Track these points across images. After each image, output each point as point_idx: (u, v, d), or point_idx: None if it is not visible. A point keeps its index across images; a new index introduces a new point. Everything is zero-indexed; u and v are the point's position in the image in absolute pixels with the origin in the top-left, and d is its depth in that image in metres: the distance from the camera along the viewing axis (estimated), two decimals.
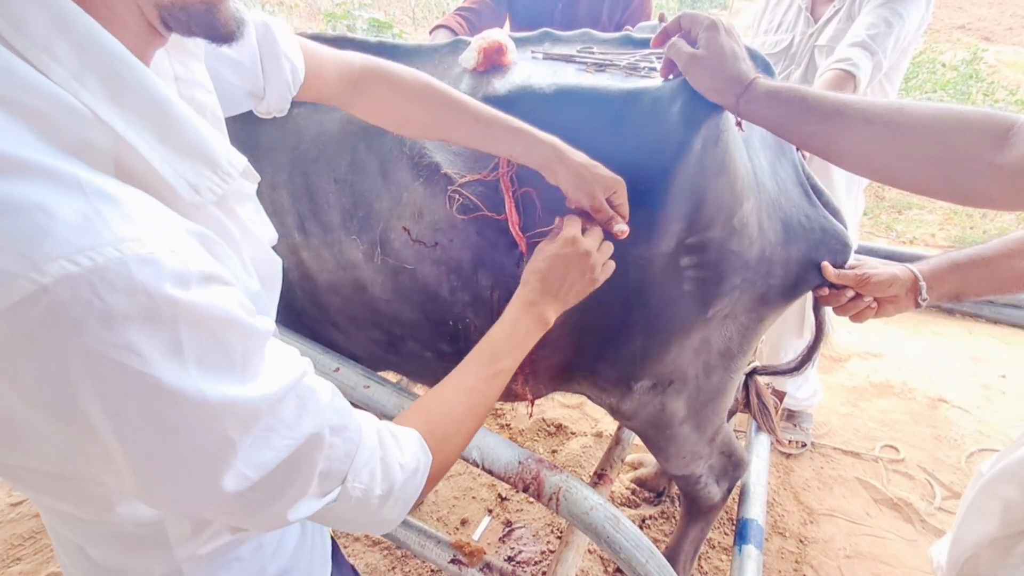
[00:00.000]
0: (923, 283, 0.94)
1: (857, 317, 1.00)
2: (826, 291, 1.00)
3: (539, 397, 1.16)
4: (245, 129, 0.96)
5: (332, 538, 0.82)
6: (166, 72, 0.51)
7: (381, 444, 0.53)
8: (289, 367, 0.44)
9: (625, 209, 0.80)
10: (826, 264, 0.98)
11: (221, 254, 0.41)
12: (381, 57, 0.81)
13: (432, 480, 0.58)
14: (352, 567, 0.92)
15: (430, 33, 1.91)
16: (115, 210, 0.31)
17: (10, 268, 0.27)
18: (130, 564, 0.54)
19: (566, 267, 0.74)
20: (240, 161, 0.45)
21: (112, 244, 0.30)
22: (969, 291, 0.94)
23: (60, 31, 0.34)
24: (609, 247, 0.80)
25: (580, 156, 0.78)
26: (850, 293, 0.97)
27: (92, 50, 0.35)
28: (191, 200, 0.40)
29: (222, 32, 0.43)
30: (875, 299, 0.97)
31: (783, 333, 1.98)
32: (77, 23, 0.35)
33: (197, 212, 0.43)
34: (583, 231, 0.77)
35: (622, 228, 0.78)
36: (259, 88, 0.70)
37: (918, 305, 0.96)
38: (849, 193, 1.85)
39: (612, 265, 0.81)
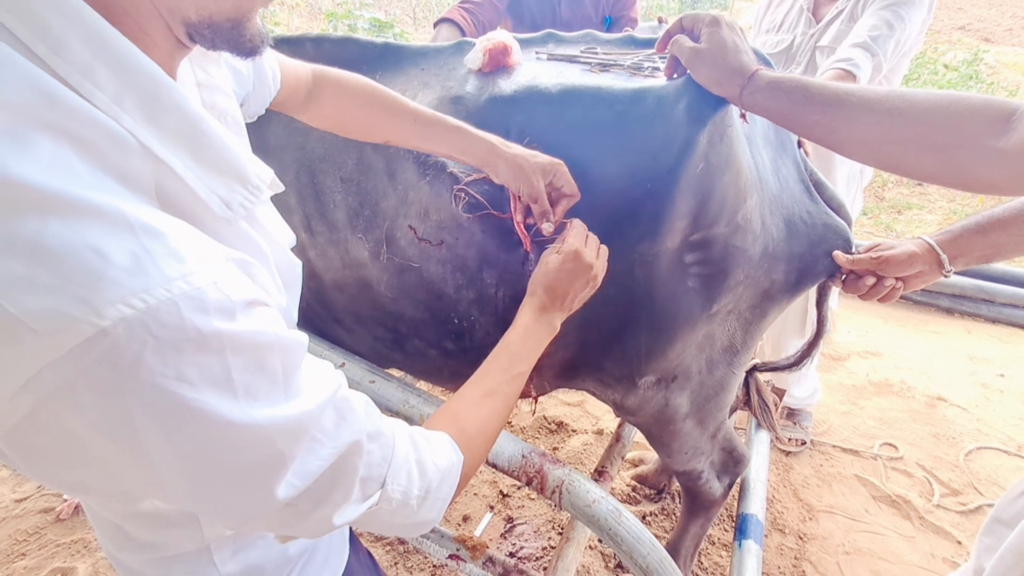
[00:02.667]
0: (944, 255, 0.92)
1: (884, 299, 0.98)
2: (841, 281, 0.99)
3: (543, 394, 1.17)
4: (251, 129, 0.96)
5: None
6: (188, 78, 0.52)
7: (415, 447, 0.55)
8: (326, 381, 0.45)
9: (571, 187, 0.83)
10: (837, 253, 0.97)
11: (256, 274, 0.42)
12: (387, 57, 0.83)
13: (464, 479, 0.60)
14: (368, 552, 0.93)
15: (434, 26, 1.92)
16: (162, 247, 0.32)
17: (71, 312, 0.28)
18: (163, 540, 0.56)
19: (571, 279, 0.78)
20: (267, 173, 0.46)
21: (162, 285, 0.31)
22: (1003, 251, 0.92)
23: (100, 56, 0.34)
24: (606, 252, 0.84)
25: (517, 148, 0.81)
26: (871, 279, 0.96)
27: (130, 74, 0.36)
28: (223, 215, 0.41)
29: (247, 47, 0.44)
30: (898, 277, 0.96)
31: (785, 332, 1.99)
32: (116, 47, 0.35)
33: (228, 227, 0.44)
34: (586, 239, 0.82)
35: (548, 228, 0.83)
36: (247, 95, 0.71)
37: (943, 275, 0.94)
38: (848, 192, 1.86)
39: (605, 267, 0.85)
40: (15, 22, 0.32)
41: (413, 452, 0.54)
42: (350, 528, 0.84)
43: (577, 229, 0.82)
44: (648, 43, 1.01)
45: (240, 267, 0.39)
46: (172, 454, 0.35)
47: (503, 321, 0.98)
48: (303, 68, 0.80)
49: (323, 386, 0.44)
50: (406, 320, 1.03)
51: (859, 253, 0.98)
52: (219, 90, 0.56)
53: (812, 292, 1.11)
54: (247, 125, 0.83)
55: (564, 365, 1.07)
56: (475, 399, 0.67)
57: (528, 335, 0.76)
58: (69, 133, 0.32)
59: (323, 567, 0.71)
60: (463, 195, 0.90)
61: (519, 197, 0.86)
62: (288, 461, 0.40)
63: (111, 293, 0.29)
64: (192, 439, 0.35)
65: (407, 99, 0.82)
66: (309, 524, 0.46)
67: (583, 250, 0.79)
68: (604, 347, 1.00)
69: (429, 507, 0.56)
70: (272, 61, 0.73)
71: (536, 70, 0.95)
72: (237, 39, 0.42)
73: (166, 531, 0.55)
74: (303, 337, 0.44)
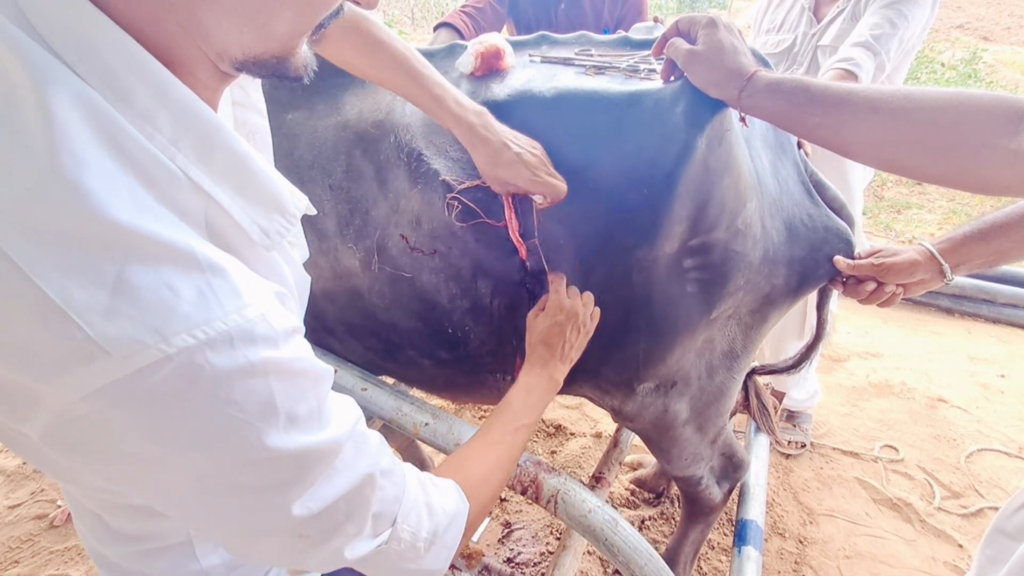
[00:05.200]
0: (945, 263, 0.91)
1: (884, 304, 0.98)
2: (841, 285, 0.98)
3: None
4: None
5: None
6: (224, 97, 0.52)
7: (423, 489, 0.56)
8: (349, 412, 0.48)
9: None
10: (838, 258, 0.96)
11: (288, 303, 0.45)
12: None
13: (470, 527, 0.61)
14: None
15: (433, 30, 1.90)
16: (223, 283, 0.36)
17: (143, 339, 0.32)
18: (147, 531, 0.57)
19: (562, 332, 0.84)
20: (302, 200, 0.48)
21: (221, 318, 0.35)
22: (1005, 257, 0.91)
23: (161, 101, 0.37)
24: (590, 297, 0.88)
25: (498, 135, 0.82)
26: (871, 285, 0.95)
27: (186, 117, 0.39)
28: (262, 244, 0.44)
29: (292, 76, 0.45)
30: (898, 284, 0.95)
31: (784, 336, 1.98)
32: (175, 93, 0.38)
33: (262, 254, 0.47)
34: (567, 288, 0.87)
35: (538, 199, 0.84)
36: None
37: (944, 283, 0.94)
38: (854, 196, 1.85)
39: (598, 311, 0.89)
40: (86, 70, 0.34)
41: (422, 494, 0.56)
42: None
43: (556, 283, 0.87)
44: (643, 44, 0.99)
45: (279, 299, 0.42)
46: (206, 467, 0.38)
47: (498, 331, 0.97)
48: None
49: (347, 416, 0.47)
50: (399, 330, 1.01)
51: (860, 259, 0.97)
52: (253, 109, 0.59)
53: (812, 295, 1.10)
54: (277, 105, 0.88)
55: None
56: (479, 450, 0.69)
57: (530, 391, 0.80)
58: (146, 176, 0.35)
59: None
60: (456, 203, 0.88)
61: (512, 204, 0.85)
62: (308, 483, 0.43)
63: (179, 325, 0.33)
64: (230, 455, 0.38)
65: (411, 52, 0.80)
66: (320, 555, 0.47)
67: (564, 301, 0.85)
68: (602, 353, 0.99)
69: (435, 554, 0.56)
70: None
71: (530, 73, 0.93)
72: (283, 70, 0.44)
73: (150, 522, 0.56)
74: (329, 367, 0.46)
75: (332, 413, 0.45)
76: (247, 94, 0.58)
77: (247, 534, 0.44)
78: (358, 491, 0.47)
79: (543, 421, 2.20)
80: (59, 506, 1.80)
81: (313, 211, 0.52)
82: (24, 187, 0.31)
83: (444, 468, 0.65)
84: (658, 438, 1.15)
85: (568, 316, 0.84)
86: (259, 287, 0.39)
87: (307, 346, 0.43)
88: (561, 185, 0.83)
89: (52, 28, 0.34)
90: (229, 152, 0.41)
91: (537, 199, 0.84)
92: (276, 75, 0.44)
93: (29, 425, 0.35)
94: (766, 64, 0.86)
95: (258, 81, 0.58)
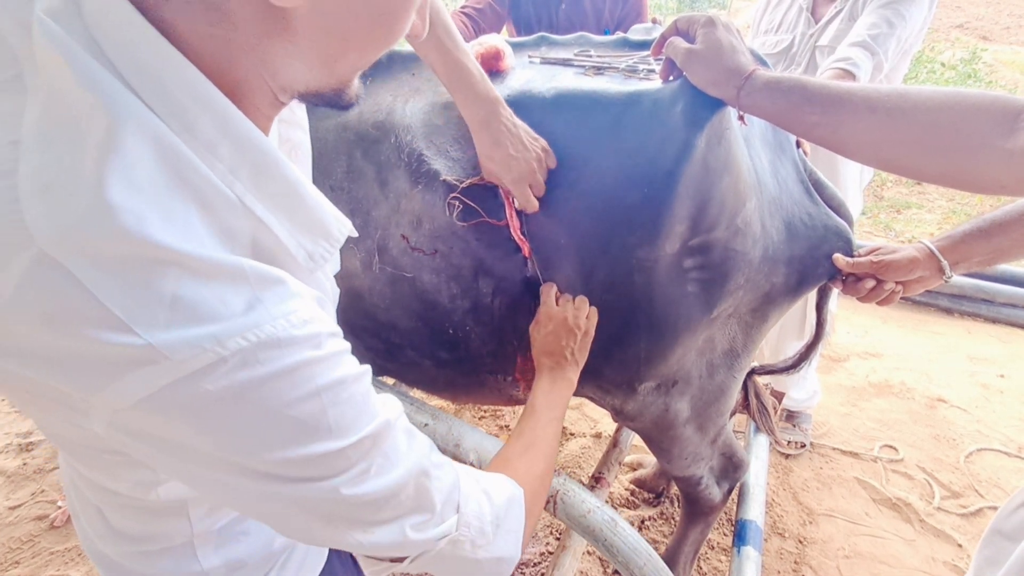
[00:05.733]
0: (944, 261, 0.92)
1: (883, 303, 0.98)
2: (841, 283, 0.98)
3: None
4: None
5: None
6: None
7: (475, 479, 0.58)
8: (393, 406, 0.50)
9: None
10: (837, 256, 0.97)
11: (328, 309, 0.50)
12: (377, 62, 0.81)
13: (530, 514, 0.63)
14: (350, 554, 0.93)
15: None
16: (270, 294, 0.40)
17: (201, 343, 0.36)
18: (149, 533, 0.58)
19: (557, 339, 0.87)
20: (346, 225, 0.50)
21: (269, 323, 0.39)
22: (1005, 255, 0.91)
23: (223, 133, 0.40)
24: (583, 300, 0.90)
25: (509, 132, 0.83)
26: (870, 283, 0.96)
27: (246, 149, 0.41)
28: (307, 267, 0.47)
29: (344, 105, 0.49)
30: (898, 282, 0.95)
31: (784, 334, 1.98)
32: (237, 125, 0.41)
33: (306, 274, 0.49)
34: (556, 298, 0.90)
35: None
36: None
37: (944, 281, 0.94)
38: (848, 193, 1.85)
39: (595, 312, 0.91)
40: (156, 101, 0.37)
41: (476, 483, 0.57)
42: None
43: (544, 294, 0.90)
44: (642, 45, 0.99)
45: (319, 303, 0.45)
46: (260, 460, 0.40)
47: (499, 331, 0.97)
48: None
49: (391, 410, 0.49)
50: (399, 330, 1.01)
51: (860, 256, 0.97)
52: (297, 126, 0.60)
53: (812, 294, 1.10)
54: None
55: None
56: (518, 450, 0.72)
57: (550, 393, 0.83)
58: (201, 201, 0.38)
59: (303, 564, 0.72)
60: (457, 203, 0.89)
61: (512, 202, 0.85)
62: (362, 473, 0.45)
63: (232, 330, 0.37)
64: (282, 447, 0.41)
65: (448, 24, 0.82)
66: (389, 538, 0.49)
67: (552, 310, 0.88)
68: (603, 353, 0.99)
69: (504, 538, 0.58)
70: None
71: (529, 74, 0.93)
72: (338, 101, 0.48)
73: (155, 523, 0.57)
74: (367, 365, 0.48)
75: (376, 407, 0.47)
76: (292, 112, 0.59)
77: (307, 521, 0.45)
78: (416, 478, 0.49)
79: None
80: (59, 507, 1.81)
81: (355, 234, 0.54)
82: (78, 212, 0.33)
83: (489, 469, 0.67)
84: (659, 437, 1.15)
85: (558, 325, 0.87)
86: (301, 294, 0.42)
87: (347, 346, 0.46)
88: (533, 203, 0.86)
89: (127, 62, 0.36)
90: (283, 181, 0.44)
91: (516, 201, 0.87)
92: (329, 104, 0.48)
93: (90, 421, 0.38)
94: (764, 64, 0.86)
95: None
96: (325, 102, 0.47)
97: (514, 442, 0.74)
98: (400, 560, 0.52)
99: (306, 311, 0.41)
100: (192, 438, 0.39)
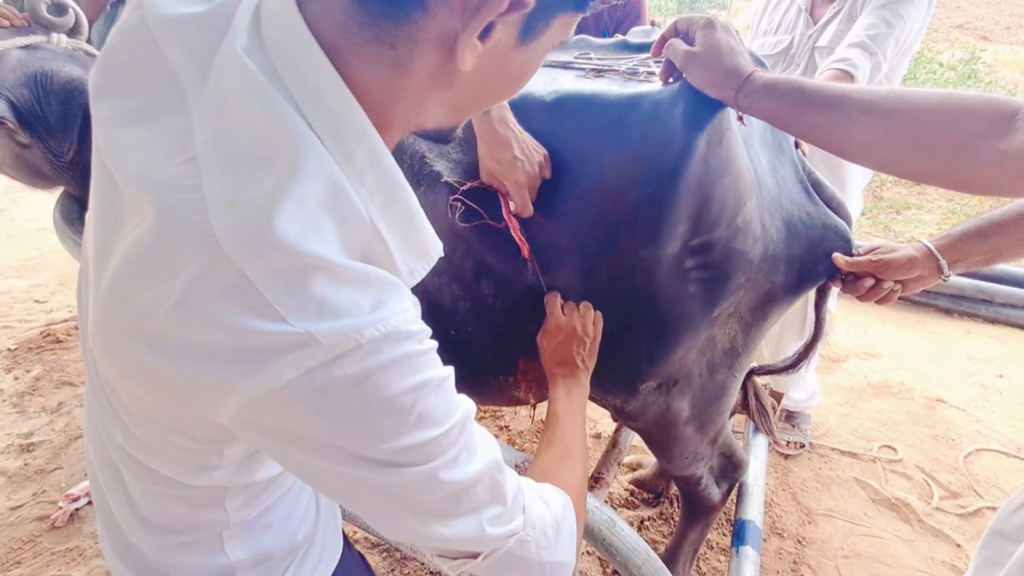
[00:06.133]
0: (943, 260, 0.93)
1: (882, 301, 0.99)
2: (840, 282, 0.99)
3: (542, 400, 1.16)
4: None
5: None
6: None
7: (532, 486, 0.61)
8: (464, 398, 0.54)
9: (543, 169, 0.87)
10: (837, 255, 0.97)
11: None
12: None
13: (579, 519, 0.65)
14: (360, 553, 0.96)
15: None
16: (390, 295, 0.46)
17: (345, 331, 0.41)
18: (184, 522, 0.62)
19: (567, 349, 0.90)
20: (439, 246, 0.56)
21: (391, 318, 0.44)
22: (1002, 255, 0.92)
23: (372, 166, 0.46)
24: (588, 306, 0.92)
25: (506, 132, 0.84)
26: (869, 281, 0.96)
27: (386, 179, 0.48)
28: (407, 282, 0.52)
29: (449, 140, 0.59)
30: (896, 281, 0.96)
31: (783, 334, 1.99)
32: (383, 161, 0.47)
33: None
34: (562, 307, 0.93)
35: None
36: None
37: (942, 280, 0.95)
38: (851, 195, 1.85)
39: (599, 317, 0.93)
40: (328, 138, 0.43)
41: (533, 489, 0.60)
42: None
43: (550, 304, 0.92)
44: (642, 47, 1.00)
45: (415, 307, 0.51)
46: (362, 427, 0.45)
47: (501, 332, 0.97)
48: None
49: (467, 406, 0.53)
50: None
51: (859, 256, 0.98)
52: None
53: (811, 293, 1.10)
54: None
55: None
56: (556, 461, 0.73)
57: (569, 401, 0.86)
58: (340, 218, 0.44)
59: (321, 555, 0.76)
60: (459, 205, 0.89)
61: (510, 204, 0.86)
62: (452, 459, 0.49)
63: (365, 324, 0.42)
64: (381, 421, 0.45)
65: None
66: (466, 531, 0.52)
67: (560, 320, 0.90)
68: (605, 353, 0.99)
69: (564, 543, 0.60)
70: None
71: None
72: (446, 137, 0.58)
73: (193, 512, 0.61)
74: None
75: (459, 399, 0.52)
76: None
77: (398, 512, 0.50)
78: (491, 471, 0.53)
79: (542, 422, 2.20)
80: (60, 507, 1.81)
81: (442, 254, 0.60)
82: (258, 226, 0.39)
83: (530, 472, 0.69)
84: (659, 437, 1.15)
85: (567, 334, 0.89)
86: (410, 298, 0.49)
87: (436, 344, 0.51)
88: (529, 208, 0.88)
89: (310, 102, 0.43)
90: (406, 209, 0.50)
91: (512, 204, 0.88)
92: (438, 139, 0.59)
93: (219, 413, 0.43)
94: (762, 65, 0.87)
95: None
96: (436, 137, 0.57)
97: (548, 452, 0.76)
98: (474, 556, 0.54)
99: (413, 311, 0.48)
100: (312, 425, 0.43)
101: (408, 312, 0.46)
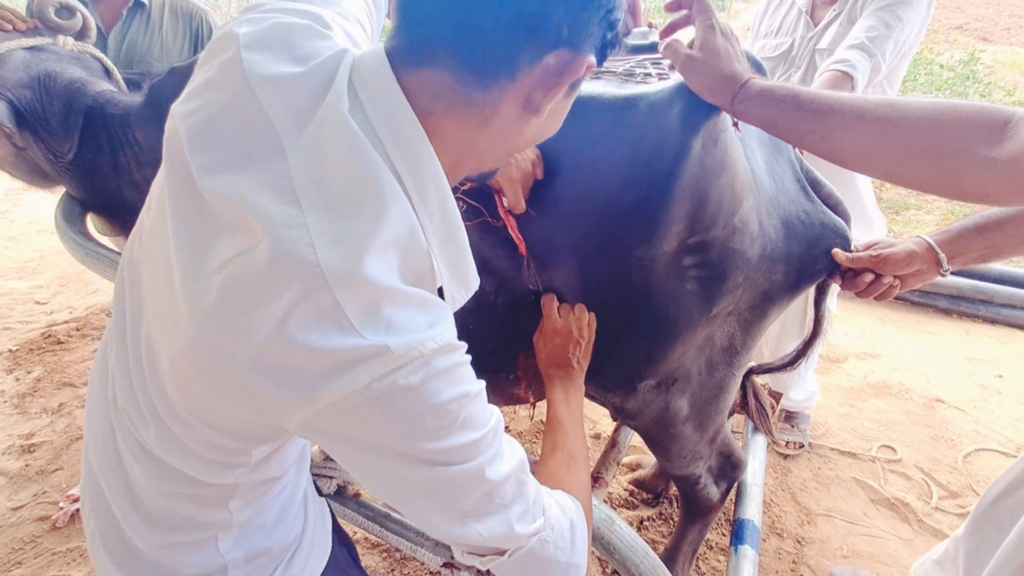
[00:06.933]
0: (942, 254, 0.93)
1: (881, 297, 0.99)
2: (840, 279, 0.99)
3: (542, 400, 1.17)
4: None
5: (332, 515, 0.95)
6: None
7: (546, 491, 0.64)
8: (494, 408, 0.58)
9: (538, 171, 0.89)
10: (837, 251, 0.98)
11: None
12: None
13: (588, 524, 0.68)
14: (351, 542, 0.99)
15: None
16: (439, 316, 0.52)
17: (410, 343, 0.47)
18: (188, 521, 0.65)
19: (564, 351, 0.92)
20: (477, 281, 0.63)
21: (442, 335, 0.50)
22: (1000, 252, 0.93)
23: (440, 207, 0.54)
24: (582, 308, 0.94)
25: None
26: (869, 277, 0.97)
27: (449, 219, 0.55)
28: (450, 307, 0.57)
29: (485, 181, 0.72)
30: (896, 276, 0.97)
31: (783, 334, 1.99)
32: (449, 203, 0.55)
33: None
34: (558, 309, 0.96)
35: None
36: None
37: (941, 275, 0.95)
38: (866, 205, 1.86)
39: (593, 318, 0.95)
40: (411, 185, 0.51)
41: (548, 494, 0.64)
42: (332, 518, 0.93)
43: (547, 307, 0.94)
44: (639, 49, 1.00)
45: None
46: (417, 429, 0.50)
47: (502, 329, 0.98)
48: None
49: (498, 412, 0.58)
50: None
51: (858, 251, 0.98)
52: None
53: (811, 292, 1.11)
54: None
55: None
56: (562, 465, 0.76)
57: (568, 402, 0.88)
58: (404, 251, 0.50)
59: (311, 553, 0.80)
60: (460, 203, 0.89)
61: (503, 201, 0.86)
62: (488, 459, 0.54)
63: (424, 338, 0.49)
64: (432, 424, 0.50)
65: None
66: (496, 528, 0.56)
67: (557, 323, 0.93)
68: (603, 352, 1.00)
69: (579, 546, 0.63)
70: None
71: None
72: (494, 174, 0.69)
73: (199, 512, 0.65)
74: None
75: (489, 407, 0.57)
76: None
77: (439, 515, 0.54)
78: (519, 472, 0.58)
79: (541, 422, 2.21)
80: (61, 508, 1.81)
81: (478, 287, 0.66)
82: (353, 261, 0.46)
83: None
84: (658, 436, 1.16)
85: (564, 337, 0.92)
86: (452, 318, 0.55)
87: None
88: (522, 204, 0.89)
89: (400, 155, 0.51)
90: (459, 246, 0.58)
91: (505, 200, 0.89)
92: (481, 180, 0.70)
93: (295, 417, 0.49)
94: (760, 69, 0.87)
95: None
96: (487, 177, 0.69)
97: (554, 457, 0.78)
98: (501, 553, 0.58)
99: (454, 329, 0.54)
100: (375, 426, 0.49)
101: (454, 330, 0.53)
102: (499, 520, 0.56)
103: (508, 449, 0.58)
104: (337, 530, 0.93)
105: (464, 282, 0.61)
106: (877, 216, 1.97)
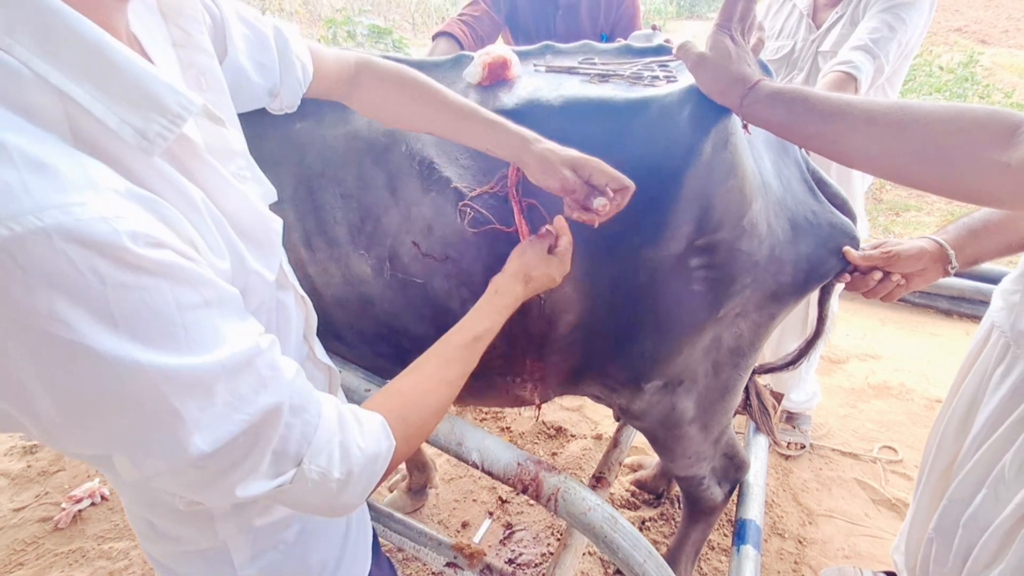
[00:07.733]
0: (951, 251, 0.94)
1: (888, 297, 1.00)
2: (848, 277, 1.00)
3: (547, 401, 1.17)
4: (249, 144, 0.96)
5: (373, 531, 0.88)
6: (163, 38, 0.53)
7: (341, 427, 0.53)
8: (244, 339, 0.44)
9: (615, 181, 0.78)
10: (848, 249, 0.98)
11: (171, 218, 0.41)
12: None
13: (394, 463, 0.58)
14: (389, 560, 0.96)
15: (432, 39, 1.91)
16: (42, 178, 0.33)
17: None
18: (183, 534, 0.61)
19: (538, 273, 0.81)
20: (194, 103, 0.43)
21: (33, 212, 0.31)
22: (986, 254, 0.95)
23: (37, 9, 0.35)
24: (569, 245, 0.84)
25: (546, 143, 0.79)
26: (878, 275, 0.97)
27: (19, 3, 0.36)
28: (140, 147, 0.40)
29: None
30: (903, 275, 0.97)
31: (785, 334, 1.99)
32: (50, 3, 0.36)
33: (148, 166, 0.43)
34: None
35: (601, 202, 0.77)
36: (276, 86, 0.74)
37: (947, 274, 0.96)
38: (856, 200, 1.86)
39: (567, 260, 0.85)
40: None
41: (338, 433, 0.53)
42: (374, 537, 0.88)
43: (560, 228, 0.84)
44: (645, 52, 1.01)
45: (144, 205, 0.39)
46: (49, 390, 0.35)
47: (509, 335, 0.98)
48: (346, 58, 0.81)
49: (237, 344, 0.43)
50: (410, 336, 1.02)
51: (868, 250, 0.99)
52: (199, 49, 0.55)
53: (812, 297, 1.11)
54: (272, 135, 0.92)
55: (568, 372, 1.07)
56: (428, 379, 0.65)
57: (498, 293, 0.77)
58: None
59: (349, 571, 0.74)
60: (468, 210, 0.90)
61: (522, 209, 0.86)
62: (184, 418, 0.40)
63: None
64: (74, 383, 0.35)
65: (448, 91, 0.81)
66: (211, 492, 0.46)
67: (568, 248, 0.83)
68: (610, 352, 1.00)
69: (351, 492, 0.54)
70: (304, 53, 0.76)
71: (536, 83, 0.95)
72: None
73: (185, 524, 0.60)
74: (235, 291, 0.44)
75: (208, 337, 0.41)
76: (188, 34, 0.54)
77: (144, 465, 0.43)
78: (258, 427, 0.45)
79: (543, 423, 2.21)
80: (63, 509, 1.81)
81: (222, 118, 0.49)
82: None
83: (382, 399, 0.62)
84: (664, 436, 1.16)
85: (548, 267, 0.82)
86: (103, 187, 0.36)
87: (178, 263, 0.39)
88: (594, 218, 0.80)
89: None
90: (77, 41, 0.37)
91: (565, 210, 0.82)
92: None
93: None
94: (768, 72, 0.88)
95: (199, 20, 0.56)
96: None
97: (432, 361, 0.68)
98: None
99: (106, 206, 0.35)
100: None
101: (78, 208, 0.34)
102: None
103: (252, 393, 0.45)
104: (376, 548, 0.87)
105: (141, 97, 0.40)
106: (863, 220, 1.99)
